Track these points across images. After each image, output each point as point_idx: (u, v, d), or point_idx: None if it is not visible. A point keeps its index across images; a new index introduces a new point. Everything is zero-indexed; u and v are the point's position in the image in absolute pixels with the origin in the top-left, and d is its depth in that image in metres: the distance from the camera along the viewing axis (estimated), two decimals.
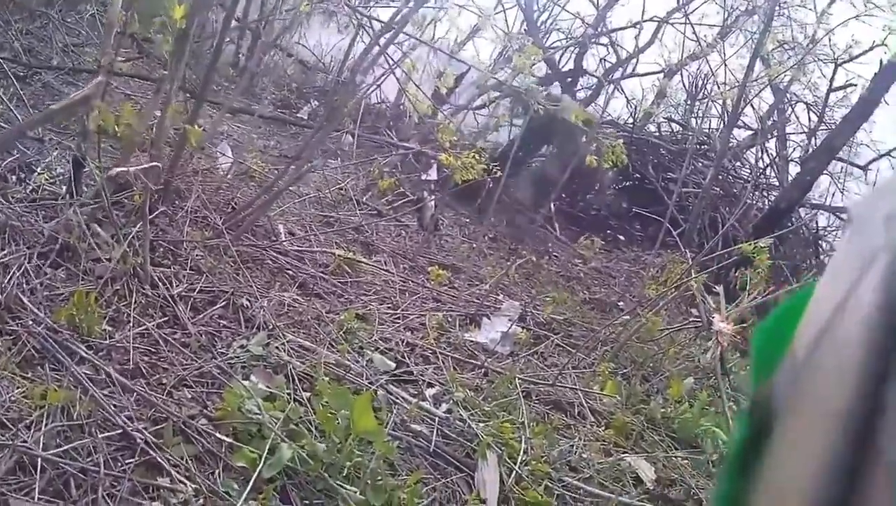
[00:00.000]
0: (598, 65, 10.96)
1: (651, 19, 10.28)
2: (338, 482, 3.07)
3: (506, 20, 10.66)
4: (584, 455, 4.25)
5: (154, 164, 4.29)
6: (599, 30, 10.45)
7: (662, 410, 4.95)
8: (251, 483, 2.87)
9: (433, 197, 7.38)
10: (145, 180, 4.05)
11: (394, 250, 6.06)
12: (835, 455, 0.60)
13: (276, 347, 3.81)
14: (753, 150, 10.90)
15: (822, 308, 0.69)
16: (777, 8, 9.75)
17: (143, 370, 3.38)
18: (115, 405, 3.06)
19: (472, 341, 5.02)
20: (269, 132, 8.18)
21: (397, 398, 3.95)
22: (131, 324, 3.62)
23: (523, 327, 5.47)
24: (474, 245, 7.21)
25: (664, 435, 4.78)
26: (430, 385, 4.29)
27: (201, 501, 2.81)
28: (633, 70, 11.47)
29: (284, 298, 4.39)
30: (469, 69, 10.15)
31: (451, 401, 4.15)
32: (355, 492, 3.09)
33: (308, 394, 3.58)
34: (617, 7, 10.91)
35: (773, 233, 8.38)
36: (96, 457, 2.78)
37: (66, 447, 2.78)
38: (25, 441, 2.72)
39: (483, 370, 4.72)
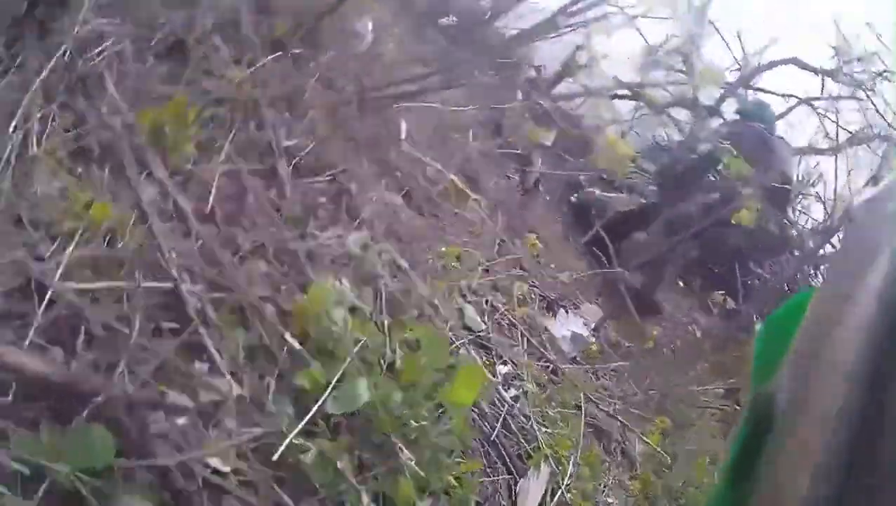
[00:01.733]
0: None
1: (793, 96, 9.29)
2: (399, 445, 2.23)
3: None
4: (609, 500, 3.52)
5: None
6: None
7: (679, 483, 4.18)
8: (310, 415, 2.01)
9: (540, 160, 6.48)
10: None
11: (495, 197, 5.15)
12: (835, 454, 0.56)
13: (373, 254, 2.93)
14: None
15: (823, 308, 0.67)
16: None
17: (219, 219, 2.51)
18: (173, 249, 2.18)
19: (545, 329, 4.18)
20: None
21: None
22: (222, 158, 2.74)
23: (596, 339, 4.62)
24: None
25: None
26: (503, 361, 3.45)
27: (240, 407, 1.97)
28: None
29: (390, 202, 3.51)
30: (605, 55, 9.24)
31: (521, 389, 3.32)
32: (411, 460, 2.25)
33: (388, 322, 2.71)
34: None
35: None
36: (126, 307, 1.92)
37: (91, 286, 1.92)
38: (41, 258, 1.86)
39: (551, 366, 3.89)
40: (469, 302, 3.45)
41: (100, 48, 2.65)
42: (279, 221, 2.69)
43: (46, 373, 1.60)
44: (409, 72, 4.91)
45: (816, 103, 9.63)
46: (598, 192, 6.70)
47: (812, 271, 9.68)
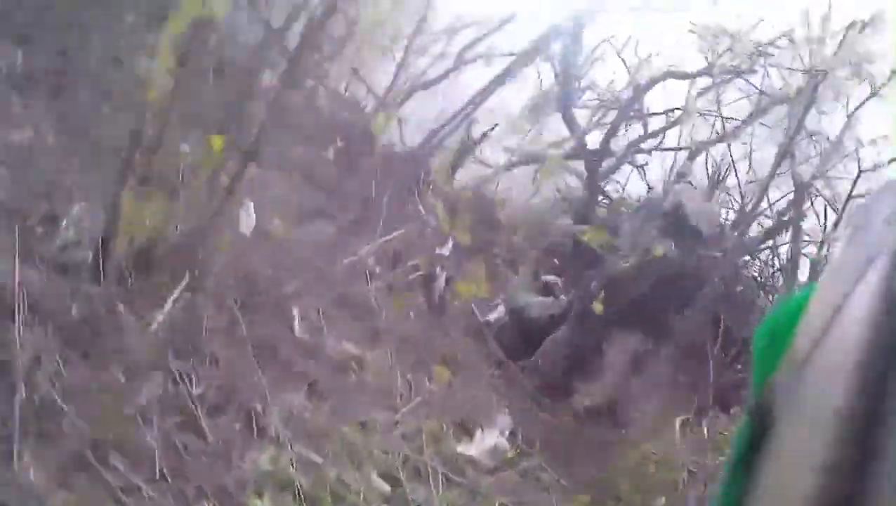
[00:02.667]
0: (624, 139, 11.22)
1: (678, 109, 10.58)
2: None
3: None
4: None
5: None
6: (632, 113, 10.76)
7: None
8: None
9: (444, 273, 7.70)
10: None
11: (401, 337, 6.44)
12: (835, 452, 0.65)
13: (286, 462, 4.20)
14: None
15: (822, 308, 0.75)
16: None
17: (168, 478, 3.76)
18: None
19: (463, 454, 5.40)
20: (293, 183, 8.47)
21: None
22: (154, 424, 4.00)
23: (512, 445, 5.82)
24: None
25: None
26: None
27: None
28: (659, 144, 11.72)
29: (294, 404, 4.78)
30: (496, 125, 10.61)
31: None
32: None
33: None
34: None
35: None
36: None
37: None
38: None
39: (469, 489, 5.13)
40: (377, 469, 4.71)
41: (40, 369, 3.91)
42: (209, 462, 3.95)
43: None
44: (297, 255, 6.21)
45: (701, 106, 11.01)
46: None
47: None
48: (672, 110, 10.73)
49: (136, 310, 4.57)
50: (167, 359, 4.40)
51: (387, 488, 4.63)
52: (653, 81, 10.30)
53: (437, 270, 7.78)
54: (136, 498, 3.56)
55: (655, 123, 11.20)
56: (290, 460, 4.28)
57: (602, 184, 10.83)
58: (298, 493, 4.06)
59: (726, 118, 10.69)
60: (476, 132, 10.50)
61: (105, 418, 3.84)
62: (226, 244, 5.68)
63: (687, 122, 10.89)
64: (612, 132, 10.32)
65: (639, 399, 7.07)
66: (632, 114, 10.80)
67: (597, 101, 11.61)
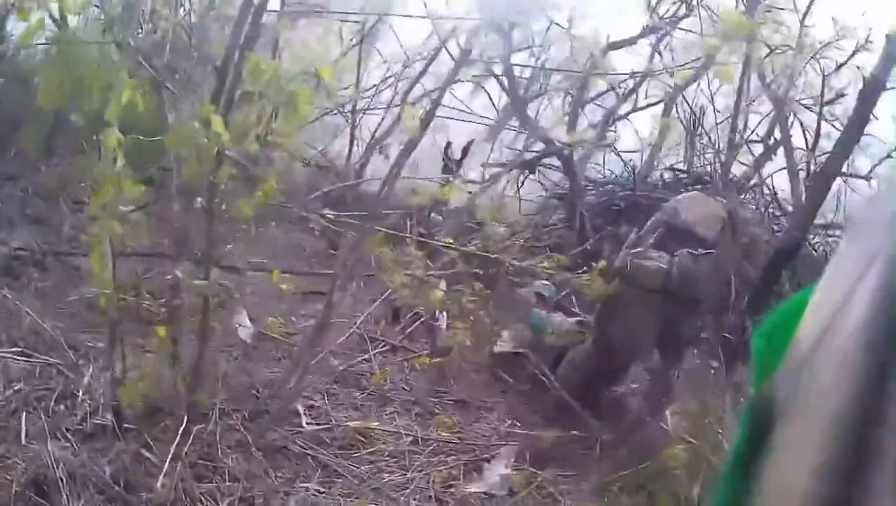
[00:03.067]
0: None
1: (634, 74, 11.21)
2: None
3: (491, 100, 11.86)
4: None
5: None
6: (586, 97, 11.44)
7: None
8: None
9: (444, 316, 8.13)
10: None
11: (405, 398, 7.25)
12: (835, 453, 0.68)
13: None
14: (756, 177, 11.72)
15: (822, 308, 0.78)
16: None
17: None
18: None
19: (474, 492, 6.19)
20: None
21: None
22: None
23: (517, 469, 6.43)
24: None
25: None
26: None
27: None
28: (634, 107, 12.37)
29: (309, 492, 5.67)
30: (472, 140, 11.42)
31: None
32: None
33: None
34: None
35: (781, 273, 9.42)
36: None
37: None
38: None
39: None
40: None
41: None
42: None
43: None
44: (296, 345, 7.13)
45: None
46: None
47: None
48: (624, 80, 11.41)
49: (155, 453, 5.51)
50: (191, 486, 5.34)
51: None
52: (596, 63, 10.91)
53: (437, 313, 8.19)
54: None
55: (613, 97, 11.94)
56: None
57: (584, 172, 11.51)
58: None
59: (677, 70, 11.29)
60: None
61: None
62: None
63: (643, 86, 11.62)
64: (572, 121, 11.02)
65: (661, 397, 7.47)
66: (588, 96, 11.51)
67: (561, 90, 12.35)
